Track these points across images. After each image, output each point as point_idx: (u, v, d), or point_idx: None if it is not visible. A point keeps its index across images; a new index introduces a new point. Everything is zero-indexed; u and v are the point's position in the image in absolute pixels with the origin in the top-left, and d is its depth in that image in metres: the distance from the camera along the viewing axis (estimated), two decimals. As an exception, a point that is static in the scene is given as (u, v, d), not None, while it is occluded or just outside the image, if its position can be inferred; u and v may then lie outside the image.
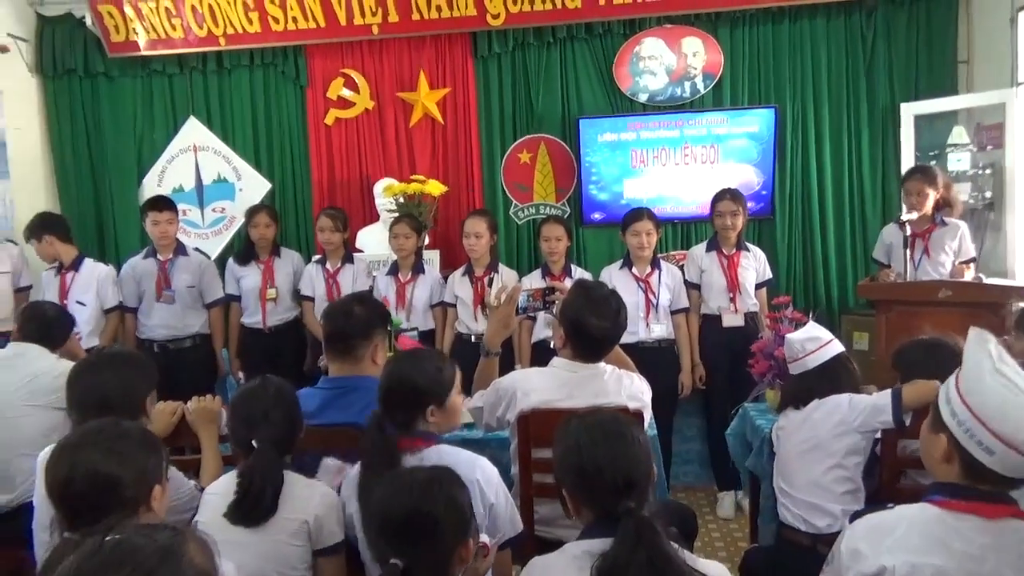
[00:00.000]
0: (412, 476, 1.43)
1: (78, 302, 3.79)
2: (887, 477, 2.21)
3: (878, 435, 2.18)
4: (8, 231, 4.33)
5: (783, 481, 2.25)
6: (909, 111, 4.28)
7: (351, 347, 2.13)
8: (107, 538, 0.96)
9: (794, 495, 2.19)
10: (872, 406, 2.12)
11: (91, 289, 3.87)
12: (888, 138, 4.44)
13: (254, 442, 1.74)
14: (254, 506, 1.67)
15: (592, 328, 2.13)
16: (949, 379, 1.37)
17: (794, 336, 2.30)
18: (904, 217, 3.40)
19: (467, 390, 2.35)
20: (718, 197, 3.78)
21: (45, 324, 2.75)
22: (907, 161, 4.25)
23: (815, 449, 2.16)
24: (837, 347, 2.28)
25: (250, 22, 4.61)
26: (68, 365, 2.63)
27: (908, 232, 3.34)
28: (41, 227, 3.85)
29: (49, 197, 4.92)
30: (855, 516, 1.44)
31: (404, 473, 1.48)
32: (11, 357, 2.64)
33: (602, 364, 2.21)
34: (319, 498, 1.76)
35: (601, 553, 1.30)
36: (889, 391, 2.11)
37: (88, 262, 3.95)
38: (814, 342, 2.25)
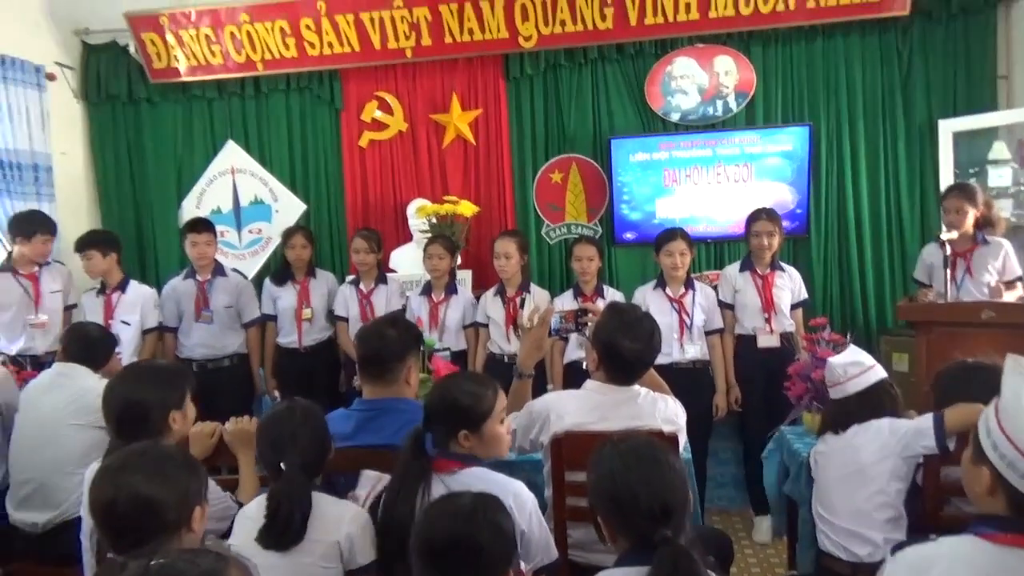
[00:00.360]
0: (457, 502, 1.43)
1: (123, 322, 3.87)
2: (930, 505, 2.15)
3: (920, 461, 2.13)
4: (53, 253, 4.44)
5: (822, 507, 2.20)
6: (947, 128, 4.21)
7: (386, 370, 2.14)
8: (152, 563, 0.97)
9: (834, 522, 2.15)
10: (915, 430, 2.07)
11: (137, 310, 3.96)
12: (926, 155, 4.37)
13: (282, 465, 1.75)
14: (283, 531, 1.67)
15: (625, 351, 2.11)
16: (988, 409, 1.34)
17: (836, 360, 2.27)
18: (944, 236, 3.33)
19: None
20: (754, 217, 3.75)
21: (89, 344, 2.80)
22: (946, 178, 4.18)
23: (856, 475, 2.12)
24: (880, 372, 2.24)
25: (287, 48, 4.71)
26: None
27: (948, 251, 3.28)
28: (106, 243, 3.94)
29: (92, 219, 5.06)
30: (897, 548, 1.40)
31: (449, 498, 1.48)
32: (57, 377, 2.70)
33: (636, 386, 2.19)
34: (350, 518, 1.76)
35: None
36: (931, 415, 2.06)
37: (133, 283, 4.05)
38: (856, 367, 2.22)
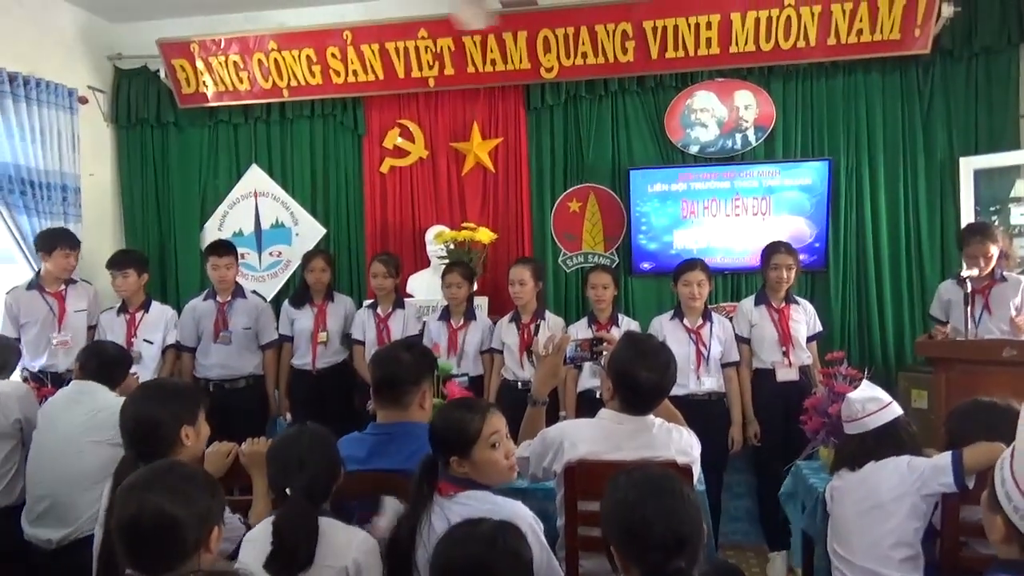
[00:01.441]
0: (476, 528, 1.43)
1: (146, 340, 3.93)
2: (948, 545, 2.11)
3: (937, 500, 2.10)
4: (77, 273, 4.52)
5: (838, 545, 2.17)
6: (968, 165, 4.20)
7: (400, 393, 2.14)
8: None
9: (850, 560, 2.11)
10: (932, 467, 2.04)
11: (160, 329, 4.02)
12: (946, 192, 4.35)
13: (287, 491, 1.75)
14: (290, 559, 1.67)
15: (641, 380, 2.11)
16: (1004, 456, 1.33)
17: (855, 396, 2.25)
18: (965, 274, 3.31)
19: (513, 436, 2.36)
20: (773, 249, 3.74)
21: (106, 363, 2.84)
22: (966, 216, 4.16)
23: (873, 512, 2.09)
24: (896, 410, 2.22)
25: (312, 75, 4.80)
26: None
27: (968, 288, 3.26)
28: (141, 263, 4.03)
29: (117, 239, 5.16)
30: None
31: (470, 524, 1.48)
32: (74, 394, 2.74)
33: (651, 416, 2.18)
34: (357, 544, 1.75)
35: None
36: (949, 453, 2.03)
37: (156, 304, 4.12)
38: (874, 403, 2.20)
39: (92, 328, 4.05)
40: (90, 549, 2.45)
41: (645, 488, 1.43)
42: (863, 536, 2.10)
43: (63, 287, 3.96)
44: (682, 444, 2.14)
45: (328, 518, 1.77)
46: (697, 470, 2.17)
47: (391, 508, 1.92)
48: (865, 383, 2.32)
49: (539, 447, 2.20)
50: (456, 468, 1.81)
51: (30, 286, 3.92)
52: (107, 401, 2.72)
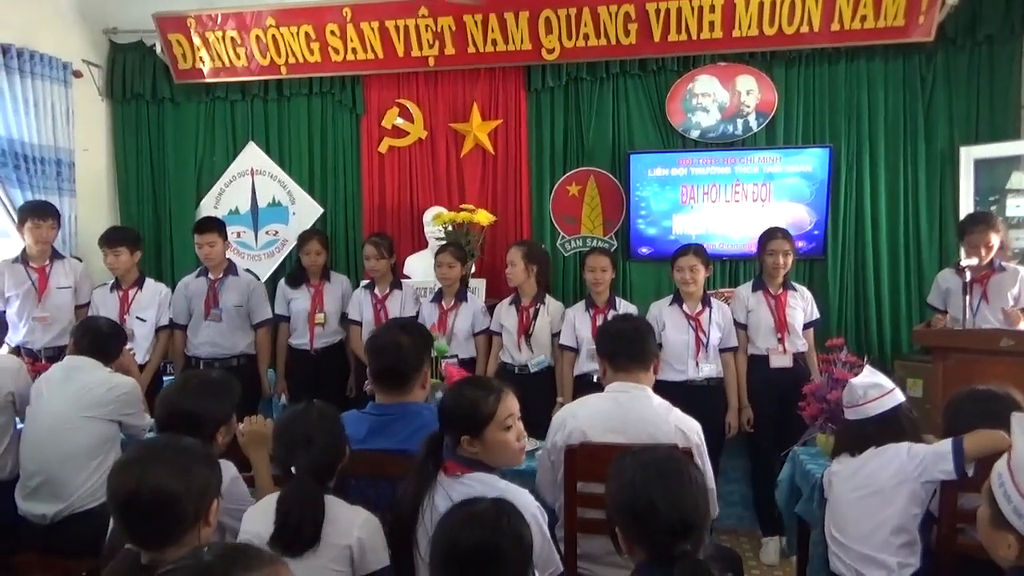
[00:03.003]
0: (478, 509, 1.41)
1: (139, 318, 3.88)
2: (945, 532, 2.12)
3: (936, 487, 2.10)
4: (71, 248, 4.47)
5: (836, 530, 2.18)
6: (969, 155, 4.20)
7: (403, 380, 2.12)
8: (206, 555, 0.98)
9: (847, 545, 2.12)
10: (933, 454, 2.04)
11: (153, 306, 3.96)
12: (946, 181, 4.35)
13: (292, 469, 1.74)
14: (295, 537, 1.66)
15: (614, 329, 2.33)
16: (1001, 469, 1.33)
17: (858, 381, 2.24)
18: (964, 263, 3.31)
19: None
20: (769, 235, 3.73)
21: (100, 339, 2.80)
22: (965, 205, 4.16)
23: (872, 498, 2.09)
24: (899, 397, 2.21)
25: (311, 52, 4.75)
26: (122, 379, 2.72)
27: (968, 278, 3.26)
28: (134, 241, 3.94)
29: (112, 215, 5.11)
30: None
31: (470, 505, 1.46)
32: (68, 370, 2.71)
33: (649, 390, 2.25)
34: (362, 522, 1.74)
35: None
36: (950, 440, 2.03)
37: (149, 281, 4.05)
38: (877, 389, 2.19)
39: (83, 306, 4.00)
40: (84, 524, 2.46)
41: (651, 470, 1.42)
42: (861, 522, 2.10)
43: (47, 263, 3.89)
44: (684, 421, 2.19)
45: (332, 497, 1.76)
46: (702, 457, 2.17)
47: None
48: (868, 369, 2.31)
49: (548, 439, 2.26)
50: (467, 448, 1.79)
51: (16, 260, 3.87)
52: (101, 377, 2.69)
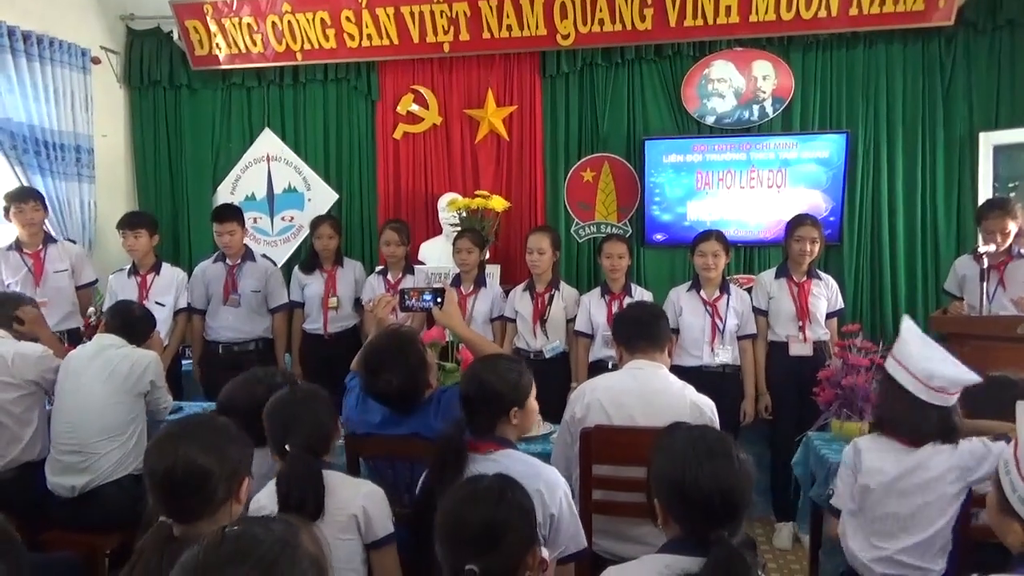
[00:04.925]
0: (485, 484, 1.44)
1: (157, 302, 3.92)
2: (962, 520, 2.10)
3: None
4: (89, 234, 4.53)
5: (874, 533, 2.01)
6: (988, 140, 4.16)
7: (411, 405, 2.13)
8: (227, 529, 1.00)
9: (883, 547, 1.98)
10: (980, 455, 1.91)
11: (171, 291, 4.01)
12: (964, 167, 4.31)
13: (287, 447, 1.78)
14: (298, 511, 1.69)
15: (629, 315, 2.42)
16: (1007, 457, 1.33)
17: (950, 372, 1.96)
18: (982, 249, 3.28)
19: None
20: (798, 221, 3.69)
21: (132, 322, 2.89)
22: (984, 191, 4.13)
23: (932, 505, 1.95)
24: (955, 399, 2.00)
25: (327, 39, 4.76)
26: (144, 352, 2.79)
27: (985, 264, 3.24)
28: (153, 224, 3.98)
29: (130, 201, 5.17)
30: None
31: (475, 481, 1.49)
32: (99, 348, 2.77)
33: (665, 368, 2.31)
34: (365, 492, 1.80)
35: (687, 574, 1.26)
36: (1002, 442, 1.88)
37: (166, 266, 4.10)
38: (958, 386, 1.96)
39: (85, 287, 4.04)
40: (108, 495, 2.55)
41: (702, 447, 1.39)
42: (911, 528, 1.96)
43: (40, 247, 3.92)
44: (699, 397, 2.22)
45: (332, 471, 1.81)
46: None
47: None
48: (951, 359, 2.02)
49: (567, 412, 2.31)
50: (511, 420, 1.87)
51: (10, 247, 3.91)
52: (125, 352, 2.76)
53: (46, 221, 4.04)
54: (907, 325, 2.09)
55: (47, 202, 4.04)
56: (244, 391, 2.13)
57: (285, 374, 2.39)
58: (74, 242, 4.24)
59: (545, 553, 1.57)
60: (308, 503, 1.71)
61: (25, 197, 3.87)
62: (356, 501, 1.76)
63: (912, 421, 1.96)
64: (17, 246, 3.90)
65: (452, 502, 1.42)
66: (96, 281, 4.09)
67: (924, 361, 1.96)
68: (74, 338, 3.79)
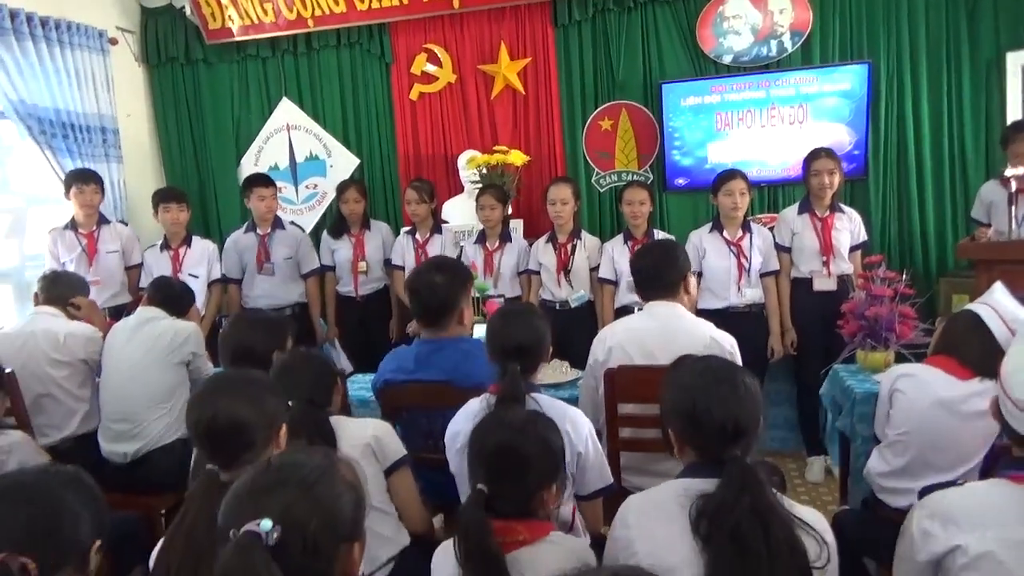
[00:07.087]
0: (513, 413, 1.54)
1: (191, 275, 4.06)
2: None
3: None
4: (120, 213, 4.65)
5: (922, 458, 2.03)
6: (1017, 61, 4.03)
7: (439, 317, 2.26)
8: (271, 459, 1.13)
9: (911, 444, 2.04)
10: None
11: (204, 263, 4.16)
12: (992, 90, 4.19)
13: (290, 403, 1.87)
14: None
15: (636, 266, 2.47)
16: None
17: None
18: (1009, 172, 3.22)
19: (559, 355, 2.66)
20: (813, 155, 3.68)
21: (173, 297, 3.03)
22: (1013, 114, 4.02)
23: (982, 433, 1.97)
24: None
25: (336, 3, 4.76)
26: (184, 323, 2.92)
27: (1013, 188, 3.18)
28: (187, 199, 4.20)
29: (157, 178, 5.27)
30: (923, 493, 1.41)
31: (508, 410, 1.61)
32: (141, 321, 2.90)
33: (682, 308, 2.37)
34: (373, 424, 1.97)
35: (703, 493, 1.32)
36: None
37: (196, 238, 4.23)
38: None
39: (134, 267, 4.18)
40: (160, 459, 2.70)
41: (709, 376, 1.45)
42: (960, 460, 2.00)
43: (95, 228, 4.06)
44: (717, 331, 2.28)
45: (339, 416, 1.97)
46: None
47: None
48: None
49: (591, 357, 2.39)
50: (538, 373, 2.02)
51: (66, 227, 4.05)
52: (166, 324, 2.89)
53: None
54: (998, 286, 2.13)
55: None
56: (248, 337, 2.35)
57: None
58: (125, 224, 4.37)
59: (570, 490, 1.65)
60: (318, 442, 1.82)
61: (87, 179, 4.02)
62: (366, 432, 1.92)
63: (984, 349, 1.93)
64: (72, 226, 4.04)
65: (478, 430, 1.51)
66: (142, 264, 4.22)
67: (1017, 310, 2.00)
68: (119, 313, 3.94)
